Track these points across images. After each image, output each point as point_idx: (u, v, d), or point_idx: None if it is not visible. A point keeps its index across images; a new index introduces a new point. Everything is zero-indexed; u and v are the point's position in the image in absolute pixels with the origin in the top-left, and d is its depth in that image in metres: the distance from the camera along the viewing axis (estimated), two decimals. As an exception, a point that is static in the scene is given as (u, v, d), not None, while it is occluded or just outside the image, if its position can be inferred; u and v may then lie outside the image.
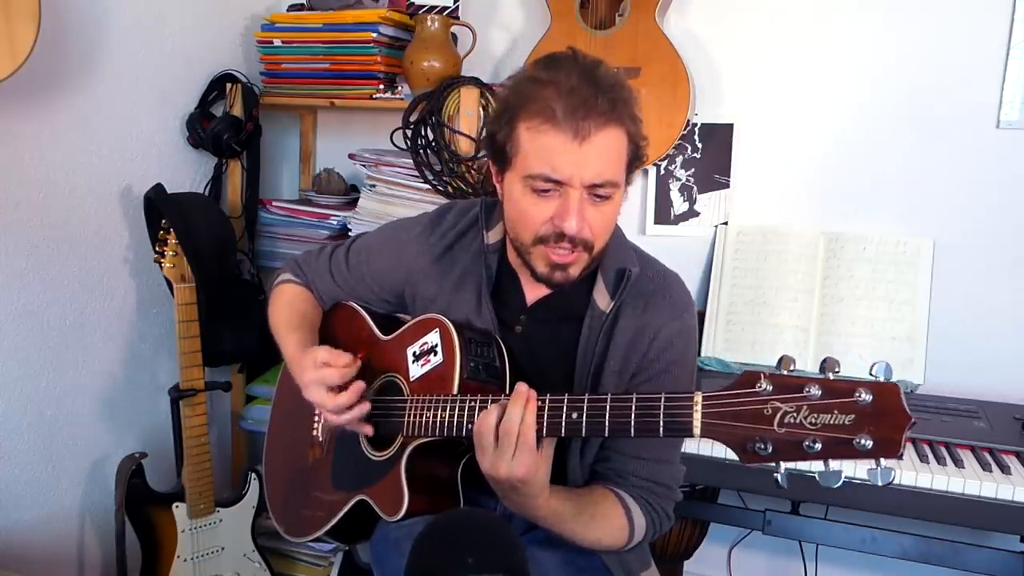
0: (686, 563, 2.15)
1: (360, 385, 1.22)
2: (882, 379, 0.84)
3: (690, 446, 1.67)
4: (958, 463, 1.58)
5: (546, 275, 1.17)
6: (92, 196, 1.89)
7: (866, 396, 0.83)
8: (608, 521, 1.17)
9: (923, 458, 1.60)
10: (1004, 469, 1.56)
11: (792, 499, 1.81)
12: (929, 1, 1.93)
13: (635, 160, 1.16)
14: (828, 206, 2.05)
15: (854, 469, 1.59)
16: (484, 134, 1.21)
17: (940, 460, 1.60)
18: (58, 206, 1.81)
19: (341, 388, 1.21)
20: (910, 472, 1.55)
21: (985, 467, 1.57)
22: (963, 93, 1.93)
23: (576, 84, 1.07)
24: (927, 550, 1.73)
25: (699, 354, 2.01)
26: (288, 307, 1.44)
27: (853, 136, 2.02)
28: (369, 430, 1.26)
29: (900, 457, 0.83)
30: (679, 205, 2.16)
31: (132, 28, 1.93)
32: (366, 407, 1.23)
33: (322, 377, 1.21)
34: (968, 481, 1.53)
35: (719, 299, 2.04)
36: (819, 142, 2.05)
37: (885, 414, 0.83)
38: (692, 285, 2.12)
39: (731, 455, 1.65)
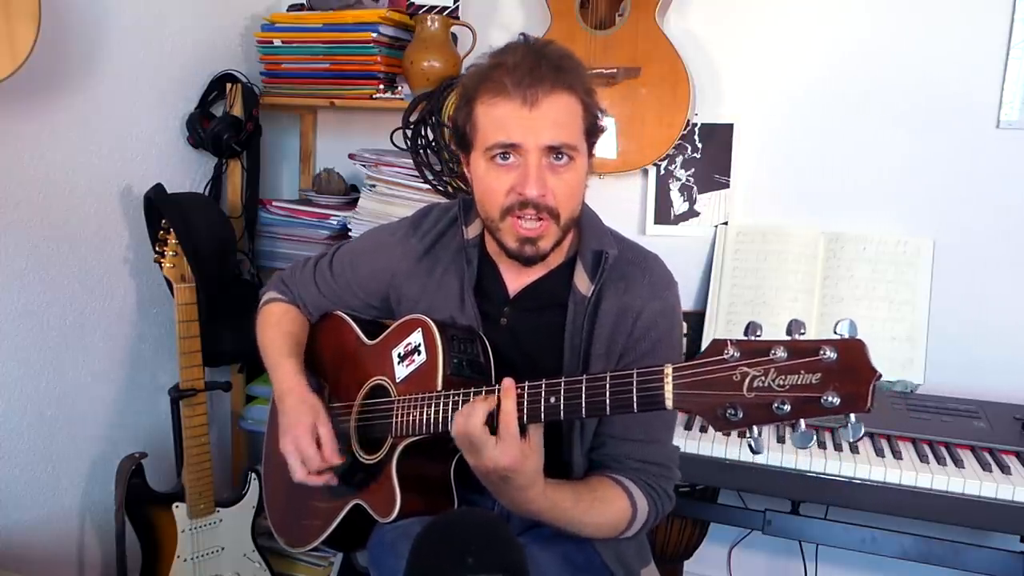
0: (686, 563, 2.15)
1: (330, 475, 1.27)
2: (847, 336, 0.84)
3: (690, 446, 1.68)
4: (958, 463, 1.58)
5: (516, 250, 1.18)
6: (92, 196, 1.89)
7: (831, 353, 0.83)
8: (609, 504, 1.17)
9: (923, 458, 1.60)
10: (1004, 469, 1.56)
11: (792, 499, 1.81)
12: (929, 1, 1.93)
13: (593, 129, 1.19)
14: (828, 206, 2.05)
15: (854, 469, 1.60)
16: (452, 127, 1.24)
17: (940, 460, 1.60)
18: (58, 206, 1.81)
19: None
20: (910, 472, 1.56)
21: (985, 467, 1.57)
22: (963, 93, 1.93)
23: (520, 59, 1.12)
24: (927, 550, 1.73)
25: (700, 350, 2.00)
26: (277, 328, 1.45)
27: (853, 136, 2.02)
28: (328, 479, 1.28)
29: (869, 411, 0.82)
30: (679, 205, 2.16)
31: (132, 28, 1.93)
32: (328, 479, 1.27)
33: (308, 455, 1.25)
34: (968, 481, 1.53)
35: (719, 299, 2.04)
36: (819, 142, 2.05)
37: (851, 370, 0.83)
38: (692, 285, 2.13)
39: (731, 455, 1.67)
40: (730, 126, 2.10)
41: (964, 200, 1.95)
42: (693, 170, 2.14)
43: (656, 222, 2.18)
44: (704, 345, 2.00)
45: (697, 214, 2.15)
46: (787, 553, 2.17)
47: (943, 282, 1.93)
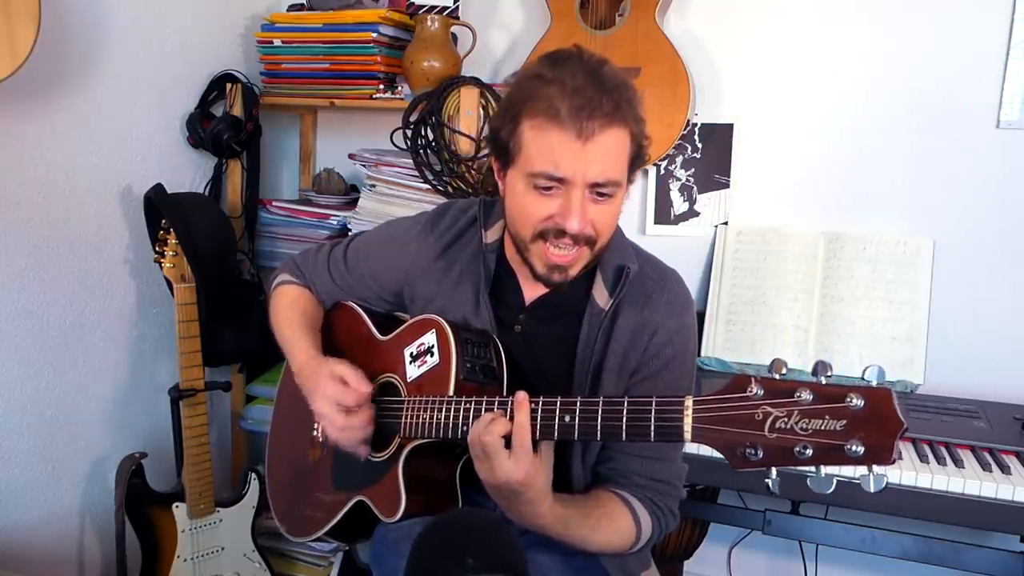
0: (686, 563, 2.15)
1: (370, 413, 1.24)
2: (875, 383, 0.83)
3: (690, 446, 1.67)
4: (958, 463, 1.58)
5: (544, 275, 1.17)
6: (92, 196, 1.89)
7: (858, 401, 0.82)
8: (614, 523, 1.17)
9: (923, 458, 1.60)
10: (1004, 469, 1.56)
11: (792, 499, 1.81)
12: (929, 1, 1.93)
13: (637, 160, 1.16)
14: (828, 206, 2.05)
15: (854, 470, 1.60)
16: (487, 130, 1.21)
17: (940, 460, 1.60)
18: (58, 206, 1.81)
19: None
20: (910, 472, 1.55)
21: (985, 467, 1.57)
22: (963, 93, 1.93)
23: (581, 84, 1.07)
24: (927, 550, 1.73)
25: (699, 354, 2.01)
26: (292, 308, 1.44)
27: (853, 136, 2.02)
28: (365, 452, 1.26)
29: (892, 463, 0.82)
30: (679, 205, 2.16)
31: (132, 28, 1.93)
32: (369, 431, 1.24)
33: (339, 394, 1.22)
34: (968, 481, 1.53)
35: (719, 299, 2.04)
36: (819, 142, 2.05)
37: (877, 420, 0.82)
38: (692, 285, 2.12)
39: (731, 455, 1.66)
40: (730, 126, 2.10)
41: (964, 200, 1.95)
42: (693, 170, 2.14)
43: (656, 222, 2.18)
44: (704, 347, 2.02)
45: (697, 214, 2.15)
46: (787, 553, 2.17)
47: (943, 282, 1.93)
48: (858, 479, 0.83)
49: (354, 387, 1.23)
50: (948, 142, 1.95)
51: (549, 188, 1.11)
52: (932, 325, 1.89)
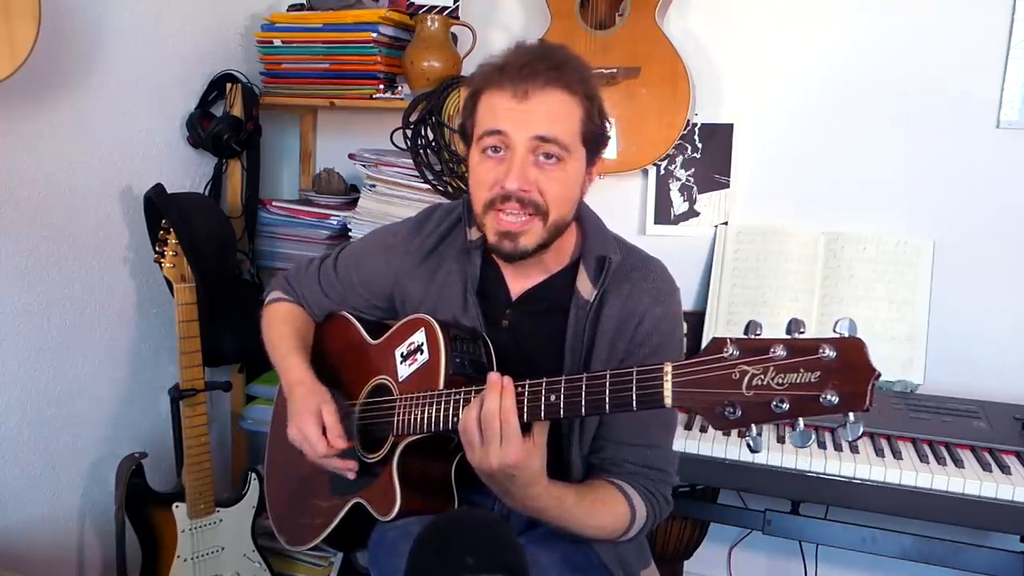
0: (686, 563, 2.15)
1: (344, 452, 1.27)
2: (846, 335, 0.84)
3: (690, 446, 1.68)
4: (958, 463, 1.58)
5: (496, 244, 1.18)
6: (92, 196, 1.89)
7: (830, 352, 0.83)
8: (609, 506, 1.17)
9: (923, 458, 1.61)
10: (1004, 469, 1.56)
11: (792, 499, 1.81)
12: (930, 1, 1.93)
13: (595, 137, 1.19)
14: (828, 206, 2.05)
15: (854, 469, 1.60)
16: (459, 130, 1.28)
17: (940, 460, 1.60)
18: (58, 206, 1.81)
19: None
20: (910, 472, 1.56)
21: (985, 467, 1.57)
22: (963, 93, 1.93)
23: (525, 55, 1.15)
24: (927, 550, 1.73)
25: (699, 348, 2.00)
26: (284, 325, 1.45)
27: (853, 136, 2.02)
28: (351, 471, 1.28)
29: (867, 410, 0.82)
30: (679, 205, 2.16)
31: (132, 28, 1.93)
32: (352, 464, 1.27)
33: (313, 438, 1.25)
34: (968, 481, 1.53)
35: (719, 299, 2.04)
36: (819, 142, 2.05)
37: (850, 368, 0.83)
38: (692, 285, 2.13)
39: (731, 455, 1.67)
40: (730, 126, 2.10)
41: (964, 200, 1.95)
42: (693, 170, 2.14)
43: (656, 222, 2.18)
44: (704, 345, 2.01)
45: (697, 214, 2.15)
46: (787, 553, 2.17)
47: (943, 282, 1.93)
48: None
49: (330, 441, 1.24)
50: (948, 142, 1.95)
51: (497, 150, 1.15)
52: (932, 325, 1.89)
